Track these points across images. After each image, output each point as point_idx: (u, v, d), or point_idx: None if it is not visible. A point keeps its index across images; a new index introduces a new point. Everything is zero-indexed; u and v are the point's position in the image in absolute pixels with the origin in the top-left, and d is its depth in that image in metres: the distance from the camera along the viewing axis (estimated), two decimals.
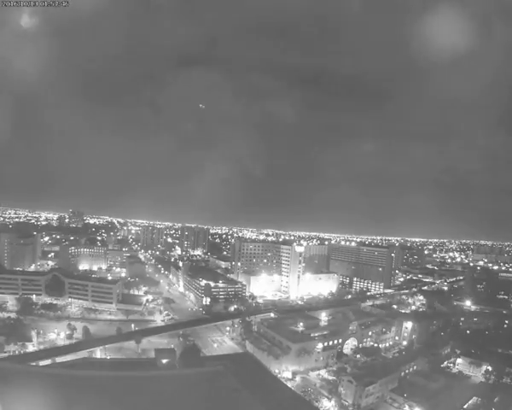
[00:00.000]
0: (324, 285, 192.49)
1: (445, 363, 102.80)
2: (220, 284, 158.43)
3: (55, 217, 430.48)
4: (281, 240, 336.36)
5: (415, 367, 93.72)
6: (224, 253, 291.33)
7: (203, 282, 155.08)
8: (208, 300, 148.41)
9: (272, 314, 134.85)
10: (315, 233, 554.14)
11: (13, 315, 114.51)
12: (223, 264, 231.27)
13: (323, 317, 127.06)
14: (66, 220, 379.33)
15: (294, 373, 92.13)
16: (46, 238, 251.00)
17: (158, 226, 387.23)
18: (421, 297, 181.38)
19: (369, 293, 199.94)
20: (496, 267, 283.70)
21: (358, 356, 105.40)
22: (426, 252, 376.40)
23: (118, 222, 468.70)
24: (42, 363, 77.43)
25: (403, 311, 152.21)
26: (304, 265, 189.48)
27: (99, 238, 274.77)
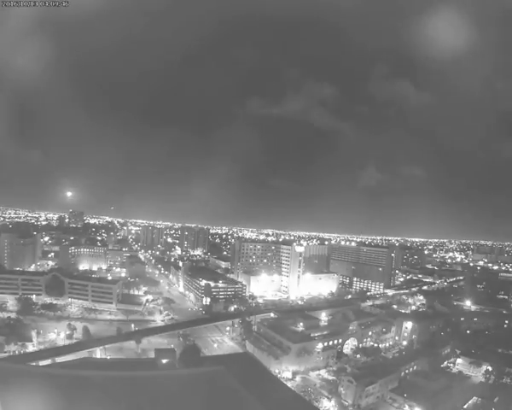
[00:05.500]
0: (324, 285, 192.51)
1: (445, 363, 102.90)
2: (220, 284, 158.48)
3: (55, 217, 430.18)
4: (281, 240, 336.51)
5: (415, 367, 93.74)
6: (224, 253, 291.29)
7: (203, 282, 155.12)
8: (208, 300, 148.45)
9: (272, 314, 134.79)
10: (315, 233, 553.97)
11: (13, 315, 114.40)
12: (223, 264, 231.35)
13: (323, 317, 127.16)
14: (66, 220, 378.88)
15: (294, 373, 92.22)
16: (46, 238, 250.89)
17: (158, 226, 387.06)
18: (421, 297, 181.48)
19: (369, 293, 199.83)
20: (496, 267, 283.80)
21: (358, 356, 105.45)
22: (426, 252, 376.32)
23: (118, 222, 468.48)
24: (42, 363, 77.45)
25: (403, 311, 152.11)
26: (304, 265, 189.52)
27: (99, 238, 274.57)
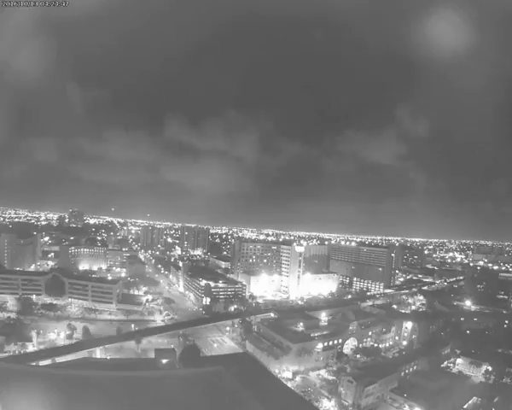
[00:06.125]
0: (324, 285, 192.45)
1: (445, 363, 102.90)
2: (220, 284, 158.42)
3: (55, 217, 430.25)
4: (281, 240, 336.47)
5: (415, 367, 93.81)
6: (224, 253, 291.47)
7: (203, 282, 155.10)
8: (208, 300, 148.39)
9: (272, 314, 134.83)
10: (315, 233, 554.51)
11: (13, 315, 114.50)
12: (223, 264, 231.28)
13: (323, 317, 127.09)
14: (66, 220, 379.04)
15: (294, 373, 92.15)
16: (46, 238, 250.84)
17: (158, 226, 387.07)
18: (421, 297, 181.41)
19: (369, 293, 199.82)
20: (496, 267, 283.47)
21: (358, 356, 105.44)
22: (426, 252, 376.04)
23: (118, 222, 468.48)
24: (42, 363, 77.45)
25: (403, 311, 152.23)
26: (304, 265, 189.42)
27: (99, 238, 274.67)
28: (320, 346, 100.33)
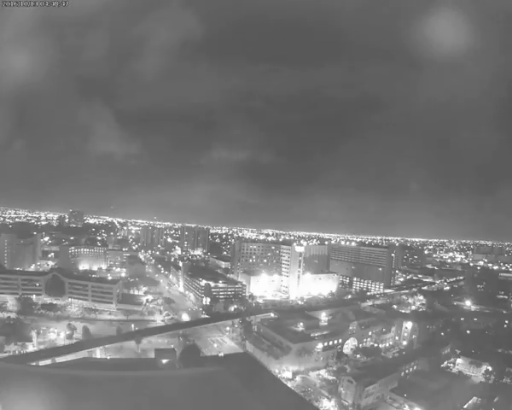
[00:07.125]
0: (324, 285, 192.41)
1: (445, 363, 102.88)
2: (220, 284, 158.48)
3: (55, 217, 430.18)
4: (281, 240, 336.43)
5: (415, 367, 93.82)
6: (224, 253, 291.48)
7: (203, 282, 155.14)
8: (208, 300, 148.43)
9: (272, 314, 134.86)
10: (315, 233, 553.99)
11: (13, 315, 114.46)
12: (223, 264, 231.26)
13: (323, 317, 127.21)
14: (66, 220, 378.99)
15: (294, 373, 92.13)
16: (46, 238, 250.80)
17: (158, 226, 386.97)
18: (421, 297, 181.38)
19: (369, 293, 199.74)
20: (496, 267, 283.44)
21: (358, 356, 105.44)
22: (426, 252, 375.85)
23: (118, 222, 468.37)
24: (42, 363, 77.49)
25: (403, 311, 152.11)
26: (304, 265, 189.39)
27: (99, 238, 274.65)
28: (320, 346, 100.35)
